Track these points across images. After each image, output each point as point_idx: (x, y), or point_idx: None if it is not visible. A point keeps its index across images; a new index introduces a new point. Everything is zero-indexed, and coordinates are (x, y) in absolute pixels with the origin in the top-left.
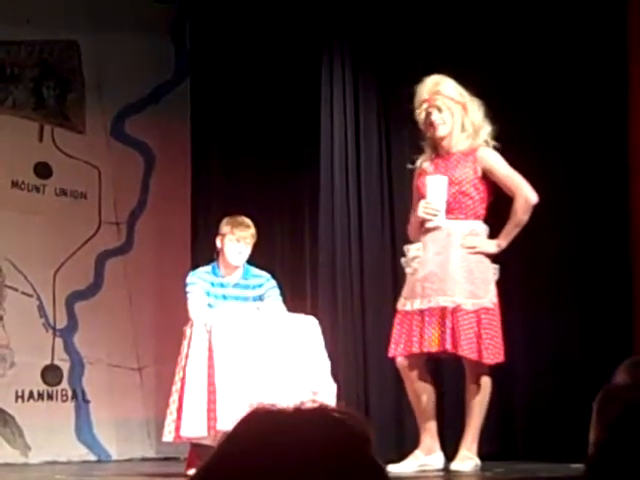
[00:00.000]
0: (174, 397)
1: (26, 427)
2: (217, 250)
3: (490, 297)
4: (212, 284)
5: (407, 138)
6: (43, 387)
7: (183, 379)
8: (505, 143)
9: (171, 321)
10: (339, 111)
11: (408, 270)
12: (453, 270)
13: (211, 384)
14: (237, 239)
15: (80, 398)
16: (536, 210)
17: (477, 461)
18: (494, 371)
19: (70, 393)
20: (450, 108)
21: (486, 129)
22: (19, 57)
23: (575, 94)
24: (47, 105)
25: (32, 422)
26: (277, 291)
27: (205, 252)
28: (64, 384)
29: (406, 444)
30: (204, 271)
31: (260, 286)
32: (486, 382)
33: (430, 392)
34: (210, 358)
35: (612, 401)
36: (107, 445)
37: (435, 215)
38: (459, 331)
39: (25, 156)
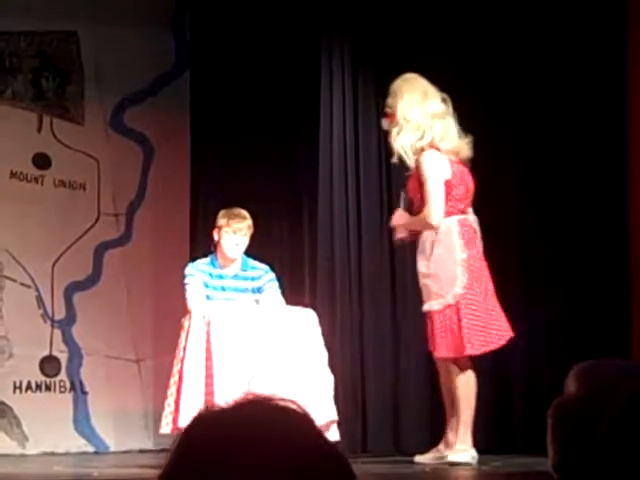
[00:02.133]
0: (172, 389)
1: (24, 418)
2: (215, 242)
3: (453, 293)
4: (211, 275)
5: None
6: (41, 378)
7: (181, 371)
8: (505, 143)
9: (169, 313)
10: (338, 105)
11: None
12: (420, 275)
13: (209, 376)
14: (233, 231)
15: (78, 389)
16: (535, 210)
17: (473, 452)
18: (492, 365)
19: (68, 384)
20: None
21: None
22: (18, 48)
23: (575, 95)
24: (46, 96)
25: (30, 413)
26: (276, 283)
27: (204, 244)
28: (62, 375)
29: (402, 436)
30: (203, 262)
31: (259, 278)
32: (460, 378)
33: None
34: (208, 350)
35: (565, 414)
36: (105, 436)
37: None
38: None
39: (24, 147)
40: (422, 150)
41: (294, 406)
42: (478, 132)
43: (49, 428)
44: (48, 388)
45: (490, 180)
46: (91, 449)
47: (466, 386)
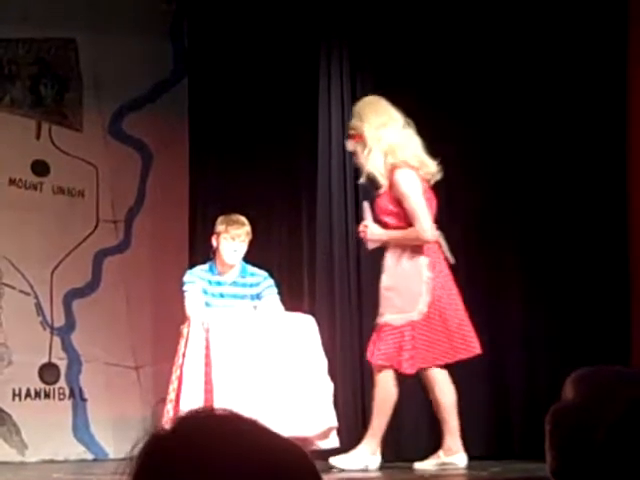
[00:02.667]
0: (171, 396)
1: (23, 425)
2: (213, 249)
3: (418, 310)
4: (209, 282)
5: None
6: (40, 385)
7: (180, 378)
8: (505, 144)
9: (169, 320)
10: (337, 110)
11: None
12: (383, 288)
13: (208, 382)
14: (232, 237)
15: (77, 396)
16: (534, 213)
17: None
18: (491, 370)
19: (67, 391)
20: None
21: None
22: (17, 55)
23: (575, 95)
24: (44, 103)
25: (29, 420)
26: (274, 289)
27: (203, 250)
28: (61, 382)
29: (402, 442)
30: (201, 269)
31: (257, 284)
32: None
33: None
34: (207, 357)
35: (563, 420)
36: (104, 444)
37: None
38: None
39: (22, 154)
40: (394, 168)
41: (239, 415)
42: (478, 132)
43: (48, 435)
44: (47, 395)
45: (489, 181)
46: (90, 456)
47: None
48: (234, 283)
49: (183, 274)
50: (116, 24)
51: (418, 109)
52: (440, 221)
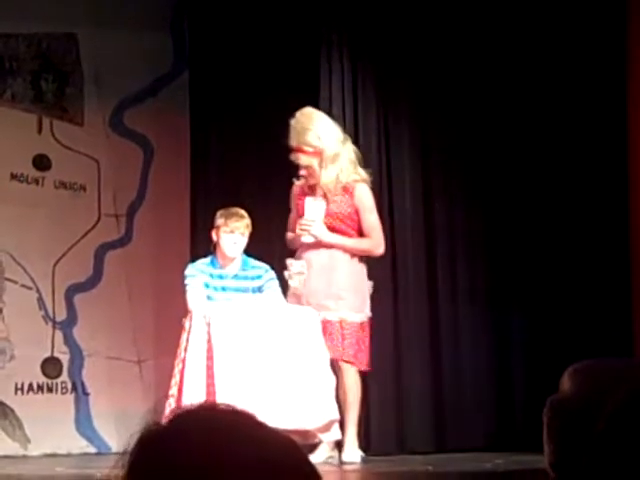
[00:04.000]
0: (173, 389)
1: (26, 419)
2: (214, 243)
3: (367, 311)
4: (211, 276)
5: (406, 131)
6: (43, 379)
7: (182, 371)
8: (505, 142)
9: (170, 313)
10: (338, 105)
11: (292, 283)
12: (338, 287)
13: (210, 376)
14: (231, 230)
15: (80, 391)
16: (536, 210)
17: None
18: (493, 362)
19: (70, 385)
20: None
21: None
22: (18, 50)
23: (575, 94)
24: (46, 98)
25: (32, 414)
26: (276, 282)
27: (204, 244)
28: (64, 376)
29: (406, 435)
30: (203, 263)
31: (259, 277)
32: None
33: None
34: (209, 350)
35: (560, 412)
36: (107, 437)
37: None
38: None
39: (24, 148)
40: (355, 182)
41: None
42: (479, 129)
43: (51, 429)
44: (50, 389)
45: (492, 179)
46: (93, 450)
47: (359, 390)
48: (236, 276)
49: (185, 268)
50: (117, 18)
51: (418, 100)
52: (442, 222)
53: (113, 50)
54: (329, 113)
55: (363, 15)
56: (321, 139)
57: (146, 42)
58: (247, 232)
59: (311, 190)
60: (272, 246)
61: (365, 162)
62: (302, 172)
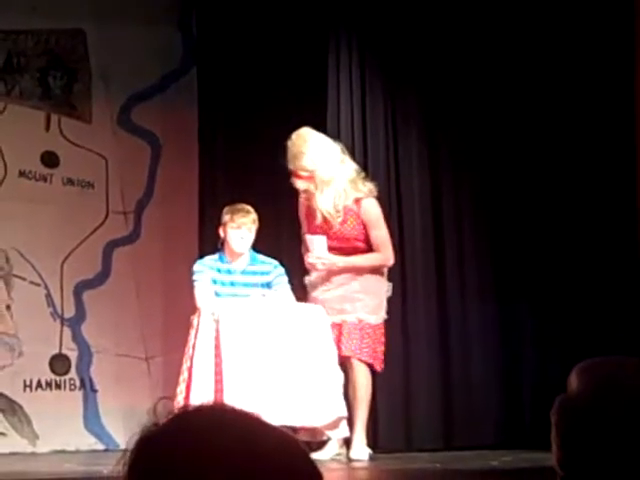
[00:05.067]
0: (181, 386)
1: (34, 416)
2: (221, 240)
3: (383, 313)
4: (219, 271)
5: (414, 129)
6: (51, 376)
7: (190, 368)
8: (517, 140)
9: (179, 310)
10: (346, 101)
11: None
12: (354, 292)
13: (218, 373)
14: (238, 226)
15: (88, 387)
16: (544, 208)
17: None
18: (503, 359)
19: (78, 382)
20: None
21: None
22: (25, 47)
23: (583, 93)
24: (54, 95)
25: (40, 411)
26: (285, 278)
27: (212, 240)
28: (72, 373)
29: (413, 432)
30: (211, 259)
31: (267, 273)
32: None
33: None
34: (217, 347)
35: (569, 411)
36: (115, 434)
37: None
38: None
39: (32, 145)
40: (359, 200)
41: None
42: (488, 129)
43: (59, 426)
44: (58, 386)
45: (501, 176)
46: (101, 447)
47: (369, 388)
48: (244, 271)
49: (193, 264)
50: (125, 14)
51: (427, 102)
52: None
53: (121, 47)
54: (337, 109)
55: (371, 13)
56: (315, 163)
57: (154, 39)
58: (254, 227)
59: (314, 210)
60: (280, 242)
61: (373, 160)
62: (302, 196)
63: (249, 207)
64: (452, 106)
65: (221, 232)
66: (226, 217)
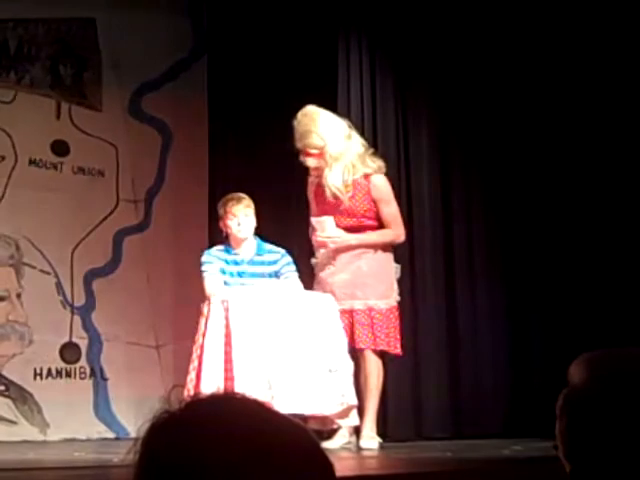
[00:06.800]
0: (192, 375)
1: (45, 404)
2: (224, 234)
3: (394, 296)
4: (226, 262)
5: (424, 129)
6: (61, 365)
7: (200, 357)
8: (527, 140)
9: (189, 299)
10: (356, 90)
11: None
12: (363, 276)
13: (228, 361)
14: (233, 214)
15: (98, 376)
16: (553, 206)
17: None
18: (512, 348)
19: (88, 371)
20: None
21: None
22: (36, 35)
23: (596, 89)
24: (64, 83)
25: (51, 399)
26: (293, 267)
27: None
28: (82, 362)
29: (423, 421)
30: (218, 249)
31: (275, 262)
32: (380, 368)
33: None
34: (227, 335)
35: (573, 404)
36: (125, 422)
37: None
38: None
39: (42, 134)
40: (368, 175)
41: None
42: (497, 123)
43: (70, 414)
44: (68, 374)
45: (511, 164)
46: (112, 435)
47: (380, 376)
48: (251, 261)
49: (203, 253)
50: (135, 3)
51: (437, 102)
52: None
53: (132, 35)
54: (347, 100)
55: (382, 7)
56: (325, 139)
57: (164, 27)
58: (250, 211)
59: (324, 187)
60: (290, 230)
61: (383, 153)
62: (312, 174)
63: (240, 194)
64: (463, 106)
65: (222, 226)
66: (220, 211)
